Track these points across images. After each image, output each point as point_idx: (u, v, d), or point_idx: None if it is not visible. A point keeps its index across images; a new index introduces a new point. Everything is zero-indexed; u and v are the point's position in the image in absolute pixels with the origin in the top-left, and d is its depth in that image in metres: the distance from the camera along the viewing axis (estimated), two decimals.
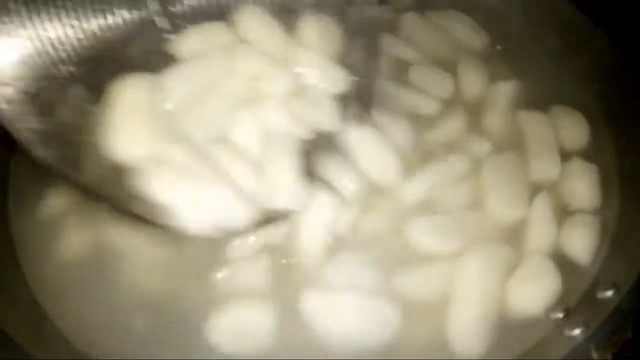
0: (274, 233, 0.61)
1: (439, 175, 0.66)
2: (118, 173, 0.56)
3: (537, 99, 0.73)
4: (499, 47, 0.79)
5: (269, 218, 0.59)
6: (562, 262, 0.61)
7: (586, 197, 0.66)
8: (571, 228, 0.63)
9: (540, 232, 0.63)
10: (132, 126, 0.58)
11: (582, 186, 0.66)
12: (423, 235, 0.62)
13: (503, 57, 0.78)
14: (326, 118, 0.64)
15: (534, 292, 0.58)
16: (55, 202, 0.65)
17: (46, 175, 0.64)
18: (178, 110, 0.60)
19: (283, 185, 0.59)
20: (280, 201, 0.59)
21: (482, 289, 0.58)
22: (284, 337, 0.56)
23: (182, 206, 0.56)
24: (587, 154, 0.69)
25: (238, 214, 0.57)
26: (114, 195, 0.56)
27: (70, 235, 0.63)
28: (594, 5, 0.74)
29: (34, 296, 0.59)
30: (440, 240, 0.62)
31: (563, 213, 0.64)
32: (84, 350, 0.56)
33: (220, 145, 0.60)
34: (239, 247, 0.60)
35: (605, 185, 0.66)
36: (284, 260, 0.60)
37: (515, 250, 0.62)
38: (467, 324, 0.56)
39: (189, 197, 0.56)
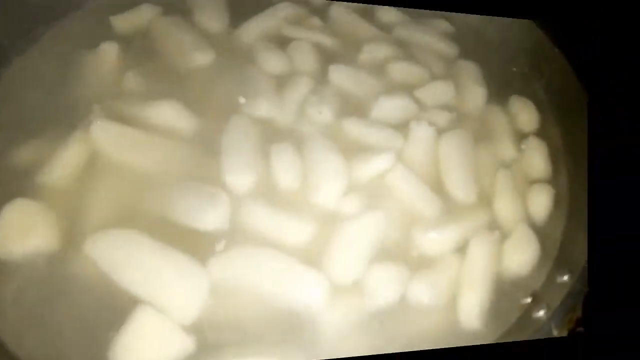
0: None
1: None
2: None
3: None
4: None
5: None
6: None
7: (541, 169, 0.78)
8: (532, 195, 0.76)
9: (508, 201, 0.75)
10: None
11: (537, 160, 0.79)
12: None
13: None
14: None
15: (525, 256, 0.70)
16: None
17: None
18: None
19: None
20: None
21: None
22: None
23: None
24: (539, 135, 0.81)
25: None
26: None
27: None
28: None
29: None
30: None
31: (525, 183, 0.77)
32: None
33: None
34: None
35: (554, 159, 0.79)
36: None
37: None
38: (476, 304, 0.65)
39: None
